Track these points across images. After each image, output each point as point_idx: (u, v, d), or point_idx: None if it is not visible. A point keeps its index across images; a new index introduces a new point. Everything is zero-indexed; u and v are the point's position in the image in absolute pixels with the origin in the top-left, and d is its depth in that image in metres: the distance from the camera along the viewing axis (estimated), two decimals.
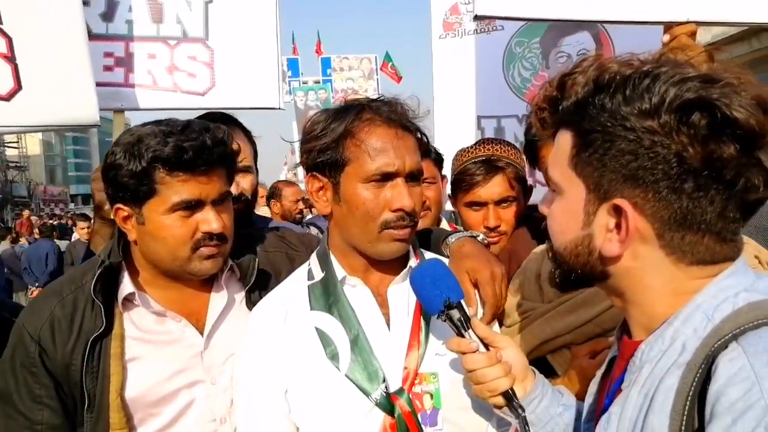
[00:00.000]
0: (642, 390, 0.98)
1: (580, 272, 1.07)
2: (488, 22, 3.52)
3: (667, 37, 2.34)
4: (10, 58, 2.33)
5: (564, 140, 1.04)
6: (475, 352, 1.38)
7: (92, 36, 2.68)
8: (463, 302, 1.43)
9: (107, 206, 2.12)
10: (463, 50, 3.66)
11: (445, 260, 1.71)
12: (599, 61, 1.01)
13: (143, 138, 1.62)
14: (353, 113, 1.55)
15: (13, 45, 2.33)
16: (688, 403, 0.90)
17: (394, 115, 1.56)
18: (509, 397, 1.36)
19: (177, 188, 1.62)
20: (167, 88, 2.78)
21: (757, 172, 0.91)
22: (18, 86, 2.35)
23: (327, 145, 1.55)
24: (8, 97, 2.34)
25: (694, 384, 0.90)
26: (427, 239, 1.88)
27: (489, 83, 3.57)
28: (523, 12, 2.46)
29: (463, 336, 1.40)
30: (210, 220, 1.66)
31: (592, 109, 0.98)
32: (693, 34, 2.35)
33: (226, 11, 2.86)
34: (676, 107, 0.91)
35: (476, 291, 1.71)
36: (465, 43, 3.68)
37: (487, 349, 1.39)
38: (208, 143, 1.63)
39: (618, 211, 0.98)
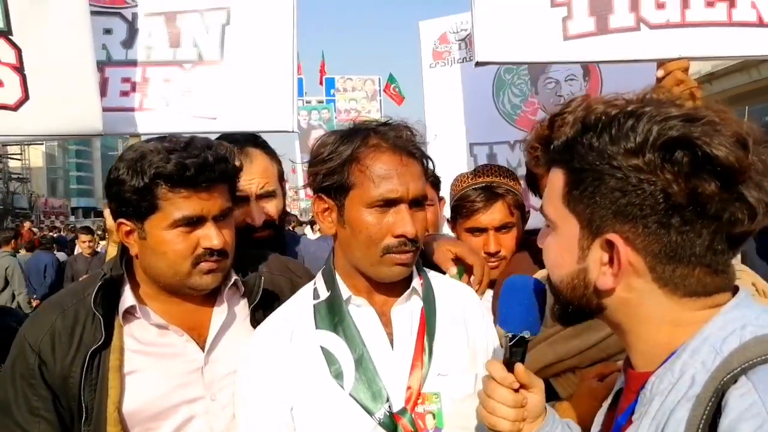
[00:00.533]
0: (653, 422, 0.98)
1: (577, 304, 1.08)
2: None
3: (661, 72, 2.38)
4: (19, 69, 2.36)
5: (556, 178, 1.06)
6: (512, 389, 1.32)
7: (112, 62, 2.71)
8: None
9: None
10: (453, 78, 3.71)
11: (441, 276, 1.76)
12: (587, 102, 1.04)
13: (146, 154, 1.62)
14: (360, 138, 1.55)
15: (23, 56, 2.36)
16: None
17: (400, 141, 1.55)
18: None
19: (179, 204, 1.62)
20: (181, 111, 2.75)
21: (740, 206, 0.92)
22: (26, 96, 2.37)
23: (333, 168, 1.55)
24: (16, 107, 2.36)
25: (704, 417, 0.90)
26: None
27: (480, 110, 3.61)
28: (522, 57, 2.51)
29: (509, 367, 1.33)
30: (211, 236, 1.65)
31: (581, 148, 1.00)
32: (686, 70, 2.39)
33: (243, 34, 2.82)
34: (660, 145, 0.93)
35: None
36: (455, 71, 3.73)
37: (516, 391, 1.33)
38: (210, 160, 1.63)
39: (610, 246, 0.99)
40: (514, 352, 1.32)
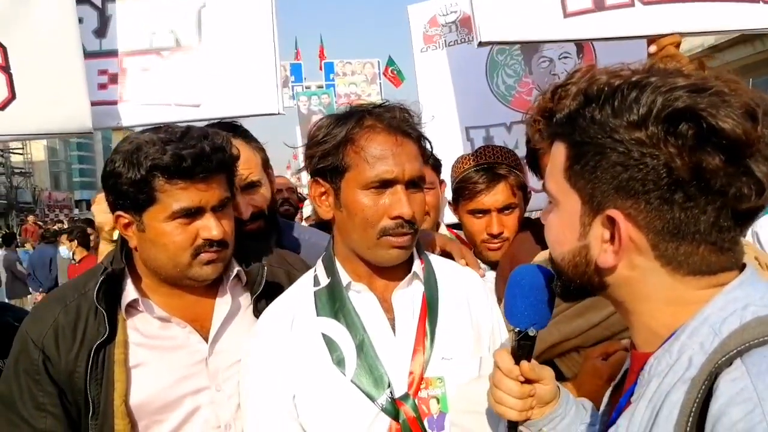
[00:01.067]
0: (649, 404, 0.96)
1: (579, 282, 1.05)
2: (468, 32, 3.55)
3: (653, 48, 2.39)
4: (5, 68, 2.33)
5: (558, 152, 1.03)
6: (517, 381, 1.31)
7: (86, 54, 2.59)
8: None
9: (108, 227, 2.15)
10: (445, 62, 3.69)
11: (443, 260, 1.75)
12: (590, 72, 1.00)
13: (142, 146, 1.60)
14: (354, 119, 1.53)
15: (8, 55, 2.33)
16: (690, 419, 0.87)
17: (396, 122, 1.53)
18: (512, 426, 1.33)
19: (177, 196, 1.60)
20: (162, 102, 2.68)
21: (747, 181, 0.88)
22: (12, 95, 2.34)
23: (328, 150, 1.53)
24: (2, 107, 2.33)
25: (697, 401, 0.87)
26: None
27: (474, 93, 3.59)
28: (524, 35, 2.49)
29: (516, 360, 1.31)
30: (210, 227, 1.64)
31: (583, 121, 0.97)
32: (677, 45, 2.39)
33: (220, 16, 2.74)
34: (663, 118, 0.89)
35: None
36: (447, 54, 3.71)
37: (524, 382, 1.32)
38: (206, 150, 1.61)
39: (611, 222, 0.96)
40: (521, 346, 1.30)
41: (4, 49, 2.35)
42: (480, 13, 2.42)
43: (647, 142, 0.90)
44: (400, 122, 1.55)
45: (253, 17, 2.75)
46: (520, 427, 1.35)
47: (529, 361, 1.30)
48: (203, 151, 1.61)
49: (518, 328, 1.27)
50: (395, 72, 15.46)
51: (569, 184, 1.01)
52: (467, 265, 1.87)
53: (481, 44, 2.47)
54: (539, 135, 1.10)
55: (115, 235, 2.09)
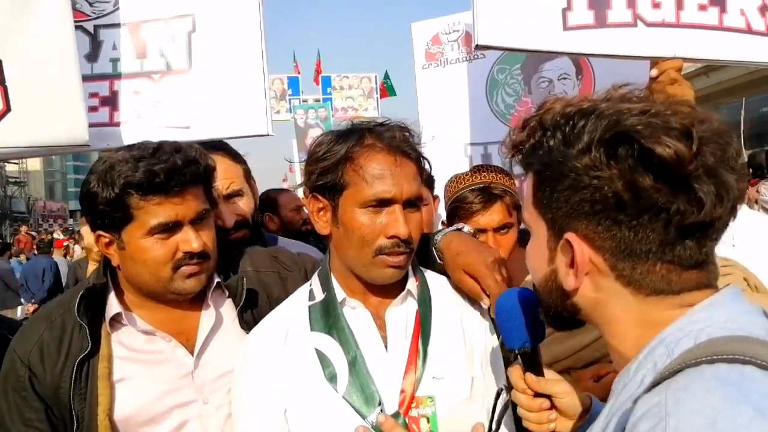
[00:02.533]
0: (602, 422, 0.98)
1: (555, 306, 1.09)
2: (469, 51, 3.61)
3: (655, 72, 2.40)
4: (0, 81, 2.31)
5: (528, 182, 1.08)
6: (529, 395, 1.34)
7: None
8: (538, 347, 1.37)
9: (96, 249, 2.13)
10: (446, 79, 3.74)
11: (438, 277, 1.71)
12: (549, 103, 1.04)
13: (115, 165, 1.61)
14: (355, 138, 1.54)
15: (3, 67, 2.32)
16: None
17: (396, 141, 1.54)
18: None
19: (153, 212, 1.61)
20: (152, 124, 2.69)
21: (685, 198, 0.91)
22: (6, 108, 2.33)
23: (328, 167, 1.54)
24: None
25: (626, 418, 0.88)
26: (420, 248, 1.82)
27: (474, 111, 3.62)
28: (522, 44, 2.49)
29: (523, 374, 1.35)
30: (189, 240, 1.65)
31: (540, 150, 1.02)
32: (679, 69, 2.40)
33: (210, 40, 2.77)
34: (604, 142, 0.93)
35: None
36: (448, 72, 3.76)
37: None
38: (178, 164, 1.62)
39: (570, 246, 0.99)
40: (524, 362, 1.35)
41: None
42: (481, 17, 2.43)
43: (593, 166, 0.94)
44: (399, 142, 1.55)
45: (243, 41, 2.80)
46: None
47: (536, 374, 1.33)
48: (175, 165, 1.62)
49: (512, 350, 1.34)
50: (386, 86, 15.58)
51: (537, 212, 1.06)
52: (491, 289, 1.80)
53: (477, 47, 2.49)
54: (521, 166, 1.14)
55: None
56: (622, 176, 0.92)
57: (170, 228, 1.65)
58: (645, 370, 0.93)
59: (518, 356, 1.34)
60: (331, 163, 1.54)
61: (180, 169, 1.63)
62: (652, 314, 0.98)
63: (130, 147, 1.70)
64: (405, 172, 1.54)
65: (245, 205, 2.23)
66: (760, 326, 0.91)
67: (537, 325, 1.32)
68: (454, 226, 1.88)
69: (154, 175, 1.59)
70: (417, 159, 1.59)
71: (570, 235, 0.99)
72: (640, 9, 2.46)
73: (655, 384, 0.86)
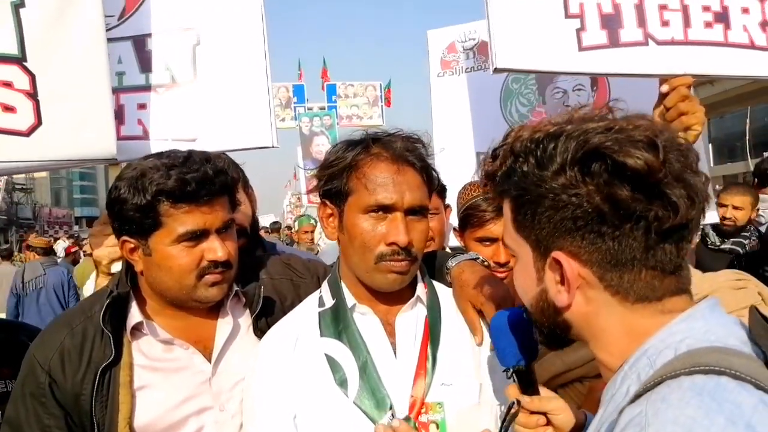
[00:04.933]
0: None
1: (548, 325, 1.12)
2: (485, 59, 3.60)
3: (665, 88, 2.44)
4: (33, 95, 2.35)
5: (506, 208, 1.12)
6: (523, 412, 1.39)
7: None
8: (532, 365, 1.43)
9: (105, 261, 2.18)
10: (461, 87, 3.73)
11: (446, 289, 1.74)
12: (515, 132, 1.09)
13: (146, 172, 1.64)
14: (362, 146, 1.60)
15: (36, 82, 2.35)
16: None
17: (400, 151, 1.59)
18: None
19: (182, 220, 1.64)
20: (159, 137, 2.72)
21: (661, 203, 0.96)
22: (38, 122, 2.36)
23: (334, 174, 1.60)
24: (28, 133, 2.35)
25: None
26: (432, 261, 1.88)
27: (487, 120, 3.62)
28: (539, 65, 2.56)
29: (522, 392, 1.41)
30: (215, 249, 1.68)
31: (515, 176, 1.06)
32: (689, 86, 2.44)
33: (214, 53, 2.81)
34: (577, 161, 0.98)
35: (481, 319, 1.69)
36: (462, 80, 3.76)
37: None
38: (209, 174, 1.66)
39: (559, 264, 1.04)
40: (518, 380, 1.40)
41: (33, 76, 2.37)
42: (497, 40, 2.49)
43: (569, 184, 0.99)
44: (404, 151, 1.60)
45: (246, 54, 2.85)
46: None
47: (531, 392, 1.39)
48: (206, 175, 1.66)
49: (508, 367, 1.40)
50: (388, 94, 15.69)
51: (519, 235, 1.10)
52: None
53: (496, 70, 2.54)
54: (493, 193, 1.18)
55: (113, 269, 2.13)
56: (599, 191, 0.97)
57: (197, 236, 1.68)
58: (630, 381, 0.98)
59: (513, 374, 1.40)
60: (337, 170, 1.60)
61: (210, 179, 1.66)
62: (638, 322, 1.02)
63: (160, 155, 1.73)
64: (407, 180, 1.58)
65: (243, 213, 2.24)
66: (736, 337, 0.96)
67: (531, 344, 1.38)
68: (469, 255, 1.91)
69: (186, 183, 1.62)
70: (422, 169, 1.64)
71: (557, 254, 1.03)
72: (650, 28, 2.54)
73: (638, 395, 0.91)
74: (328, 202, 1.64)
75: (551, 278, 1.06)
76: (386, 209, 1.56)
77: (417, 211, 1.59)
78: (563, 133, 1.02)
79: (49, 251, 9.54)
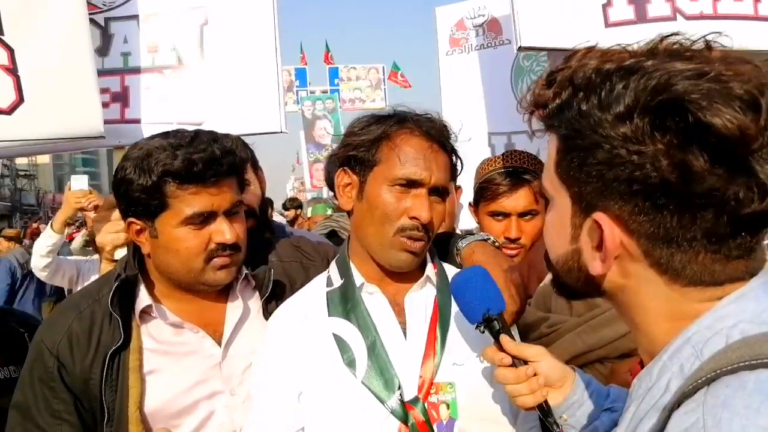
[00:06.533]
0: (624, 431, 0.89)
1: (574, 287, 0.97)
2: (495, 35, 3.57)
3: None
4: (12, 70, 2.29)
5: (551, 145, 0.95)
6: (507, 366, 1.37)
7: None
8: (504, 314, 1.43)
9: (108, 247, 2.16)
10: (470, 66, 3.67)
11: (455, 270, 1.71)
12: (580, 55, 0.90)
13: (152, 152, 1.62)
14: (395, 120, 1.62)
15: (15, 57, 2.29)
16: None
17: (434, 131, 1.61)
18: (544, 412, 1.36)
19: (189, 201, 1.63)
20: (164, 120, 2.64)
21: (746, 183, 0.77)
22: (20, 99, 2.30)
23: (362, 142, 1.61)
24: (9, 111, 2.28)
25: None
26: (443, 244, 1.87)
27: (498, 99, 3.58)
28: (565, 43, 2.50)
29: (500, 348, 1.39)
30: (223, 231, 1.66)
31: (569, 113, 0.88)
32: None
33: (223, 33, 2.75)
34: (651, 109, 0.79)
35: None
36: (472, 58, 3.69)
37: (524, 363, 1.38)
38: (217, 154, 1.64)
39: (599, 227, 0.87)
40: (492, 333, 1.39)
41: (11, 50, 2.31)
42: (522, 18, 2.47)
43: (633, 137, 0.80)
44: (438, 132, 1.62)
45: (256, 34, 2.78)
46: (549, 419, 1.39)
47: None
48: (213, 155, 1.63)
49: (477, 322, 1.40)
50: (404, 76, 15.50)
51: (560, 181, 0.93)
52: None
53: (521, 49, 2.51)
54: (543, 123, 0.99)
55: (117, 255, 2.12)
56: (669, 153, 0.78)
57: (205, 218, 1.66)
58: (670, 374, 0.83)
59: (486, 327, 1.39)
60: (366, 139, 1.61)
61: (218, 159, 1.64)
62: (687, 306, 0.86)
63: (166, 134, 1.70)
64: (438, 159, 1.60)
65: (252, 194, 2.22)
66: None
67: (495, 294, 1.39)
68: (480, 236, 1.92)
69: (193, 164, 1.60)
70: (451, 152, 1.66)
71: (599, 216, 0.86)
72: (678, 2, 2.51)
73: (687, 395, 0.76)
74: (349, 170, 1.64)
75: (587, 241, 0.90)
76: (413, 184, 1.57)
77: (440, 192, 1.61)
78: (640, 69, 0.82)
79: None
